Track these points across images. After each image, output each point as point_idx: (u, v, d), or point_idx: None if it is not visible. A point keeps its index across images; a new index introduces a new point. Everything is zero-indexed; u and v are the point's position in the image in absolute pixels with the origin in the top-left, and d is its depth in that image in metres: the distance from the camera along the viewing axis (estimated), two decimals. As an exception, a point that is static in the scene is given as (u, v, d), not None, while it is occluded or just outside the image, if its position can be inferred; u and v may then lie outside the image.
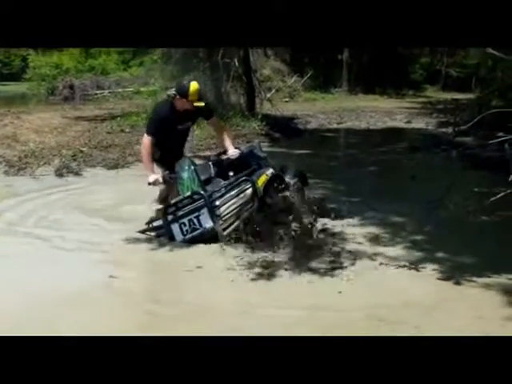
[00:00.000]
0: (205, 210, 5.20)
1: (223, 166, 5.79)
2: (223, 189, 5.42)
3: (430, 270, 4.63)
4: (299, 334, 3.37)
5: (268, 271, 4.55)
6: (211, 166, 5.80)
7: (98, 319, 3.75)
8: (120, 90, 23.25)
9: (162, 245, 5.29)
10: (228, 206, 5.32)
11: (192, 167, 5.42)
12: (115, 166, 9.06)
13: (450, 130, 13.07)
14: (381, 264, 4.78)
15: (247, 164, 5.82)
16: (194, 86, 5.49)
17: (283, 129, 14.25)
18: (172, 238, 5.27)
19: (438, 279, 4.46)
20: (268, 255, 4.88)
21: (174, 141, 5.75)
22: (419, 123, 16.68)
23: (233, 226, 5.26)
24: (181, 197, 5.34)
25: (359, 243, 5.26)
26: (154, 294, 4.41)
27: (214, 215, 5.21)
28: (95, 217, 6.15)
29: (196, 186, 5.34)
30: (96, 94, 22.80)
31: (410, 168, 9.39)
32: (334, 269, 4.63)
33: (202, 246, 5.16)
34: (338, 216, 6.00)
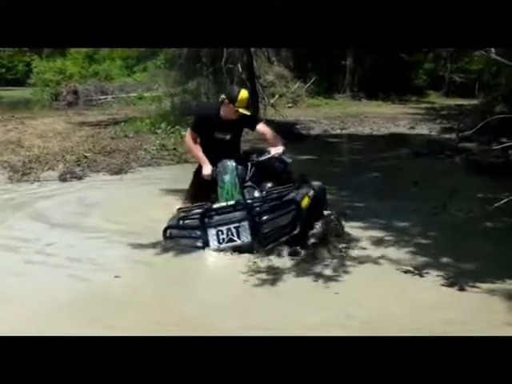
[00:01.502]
0: (246, 223, 4.98)
1: (259, 169, 5.60)
2: (266, 205, 5.18)
3: (433, 276, 4.63)
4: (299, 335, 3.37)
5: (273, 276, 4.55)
6: (249, 168, 5.57)
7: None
8: (124, 95, 23.34)
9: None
10: (269, 224, 5.04)
11: (235, 172, 5.31)
12: (119, 172, 9.06)
13: (453, 135, 13.07)
14: (384, 268, 4.79)
15: (276, 170, 5.66)
16: (243, 93, 5.49)
17: (286, 134, 14.18)
18: (206, 244, 5.04)
19: (442, 285, 4.46)
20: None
21: (209, 149, 5.67)
22: (423, 129, 16.67)
23: (270, 246, 4.97)
24: (223, 203, 5.16)
25: (363, 248, 5.25)
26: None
27: (254, 230, 4.97)
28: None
29: (237, 192, 5.22)
30: (100, 99, 22.88)
31: (414, 174, 9.38)
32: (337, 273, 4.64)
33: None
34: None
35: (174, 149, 11.14)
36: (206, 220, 5.09)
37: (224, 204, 5.15)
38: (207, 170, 5.56)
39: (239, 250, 4.97)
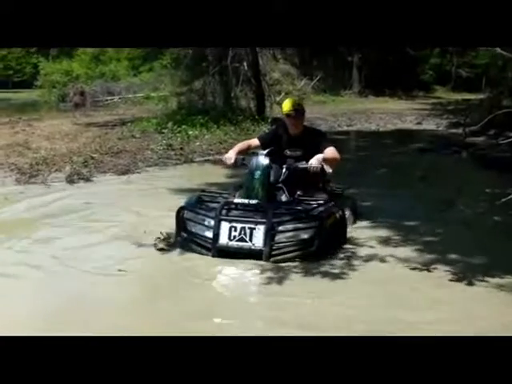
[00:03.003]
0: (262, 227, 4.76)
1: (294, 175, 5.36)
2: (289, 214, 4.94)
3: (442, 271, 4.62)
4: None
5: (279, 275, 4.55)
6: (283, 171, 5.35)
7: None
8: (130, 95, 23.38)
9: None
10: (286, 235, 4.82)
11: (267, 171, 5.12)
12: (126, 172, 9.08)
13: (460, 130, 13.04)
14: (392, 265, 4.80)
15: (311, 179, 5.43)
16: (287, 100, 5.48)
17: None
18: (216, 236, 4.80)
19: (450, 280, 4.45)
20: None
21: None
22: (430, 124, 16.66)
23: (280, 257, 4.76)
24: (246, 200, 4.96)
25: (371, 246, 5.25)
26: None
27: (268, 237, 4.73)
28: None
29: (264, 192, 5.02)
30: (106, 100, 22.94)
31: (421, 169, 9.36)
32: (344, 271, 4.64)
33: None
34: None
35: (181, 148, 11.17)
36: (224, 211, 4.94)
37: (246, 201, 4.96)
38: (231, 154, 5.46)
39: (246, 254, 4.78)
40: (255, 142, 5.72)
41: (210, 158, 10.75)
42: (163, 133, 12.56)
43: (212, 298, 4.22)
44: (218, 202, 5.14)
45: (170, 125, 12.96)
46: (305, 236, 4.84)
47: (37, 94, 26.02)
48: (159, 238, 5.15)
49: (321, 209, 5.05)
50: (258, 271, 4.63)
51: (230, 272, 4.72)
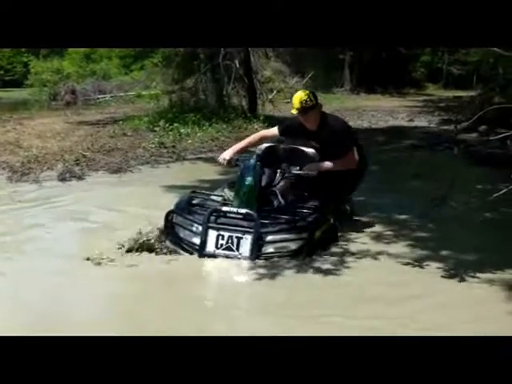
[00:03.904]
0: (249, 237, 4.67)
1: (288, 179, 5.31)
2: (277, 226, 4.82)
3: (434, 268, 4.64)
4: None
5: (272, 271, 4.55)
6: (277, 176, 5.30)
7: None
8: (122, 93, 23.30)
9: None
10: (274, 245, 4.75)
11: (258, 177, 5.01)
12: (118, 170, 9.05)
13: (452, 127, 13.07)
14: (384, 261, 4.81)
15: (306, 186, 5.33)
16: (298, 93, 5.17)
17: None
18: (203, 243, 4.74)
19: (443, 276, 4.47)
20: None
21: None
22: (421, 121, 16.68)
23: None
24: (234, 209, 4.85)
25: (363, 243, 5.25)
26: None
27: (255, 248, 4.66)
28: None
29: (254, 199, 4.90)
30: (98, 98, 22.83)
31: (413, 166, 9.38)
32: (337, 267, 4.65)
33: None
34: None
35: (173, 146, 11.13)
36: (212, 219, 4.82)
37: (234, 210, 4.85)
38: (227, 154, 5.32)
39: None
40: (274, 131, 5.49)
41: (203, 155, 10.73)
42: (155, 131, 12.51)
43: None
44: (208, 207, 5.08)
45: (161, 123, 12.92)
46: (293, 247, 4.77)
47: (28, 92, 25.87)
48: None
49: (310, 219, 4.94)
50: (249, 267, 4.62)
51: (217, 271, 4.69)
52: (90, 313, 3.91)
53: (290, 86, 23.78)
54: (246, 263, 4.64)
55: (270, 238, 4.75)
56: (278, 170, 5.31)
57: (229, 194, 5.26)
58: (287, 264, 4.66)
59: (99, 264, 4.65)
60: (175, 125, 12.82)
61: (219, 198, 5.36)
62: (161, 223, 5.17)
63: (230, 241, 4.72)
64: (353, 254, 4.96)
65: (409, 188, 7.50)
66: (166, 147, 11.06)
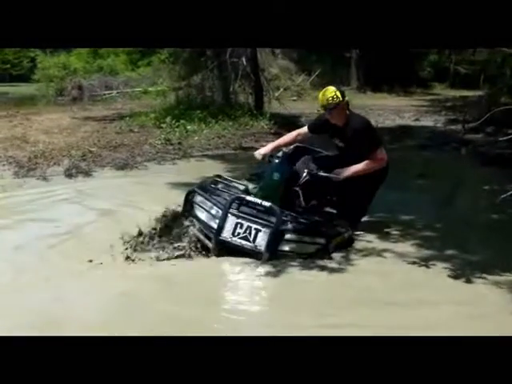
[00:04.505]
0: (268, 231, 4.62)
1: (312, 181, 5.16)
2: (297, 226, 4.77)
3: (440, 268, 4.63)
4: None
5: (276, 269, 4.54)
6: (303, 176, 5.14)
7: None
8: (128, 90, 23.30)
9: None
10: (291, 245, 4.71)
11: (286, 174, 5.00)
12: (124, 166, 9.06)
13: (459, 127, 13.04)
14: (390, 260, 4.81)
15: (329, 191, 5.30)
16: (326, 89, 5.08)
17: (292, 128, 14.20)
18: (219, 228, 4.67)
19: (449, 276, 4.46)
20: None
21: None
22: (428, 121, 16.62)
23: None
24: (258, 200, 4.77)
25: (368, 241, 5.25)
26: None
27: (272, 242, 4.61)
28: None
29: (277, 196, 4.90)
30: (104, 94, 22.84)
31: (420, 166, 9.37)
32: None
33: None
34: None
35: (179, 143, 11.14)
36: (234, 206, 4.76)
37: (259, 201, 4.77)
38: (263, 150, 5.32)
39: (247, 252, 4.67)
40: (304, 129, 5.48)
41: (209, 152, 10.73)
42: (161, 127, 12.52)
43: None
44: (231, 193, 5.05)
45: (168, 119, 12.91)
46: (308, 250, 4.75)
47: (34, 87, 25.93)
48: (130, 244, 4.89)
49: (330, 225, 4.94)
50: (254, 264, 4.60)
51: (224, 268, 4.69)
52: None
53: (297, 83, 23.83)
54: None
55: (288, 236, 4.71)
56: (305, 171, 5.21)
57: (250, 186, 5.26)
58: (293, 262, 4.65)
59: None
60: (182, 121, 12.82)
61: (242, 187, 5.33)
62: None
63: (248, 231, 4.67)
64: (358, 251, 4.97)
65: (415, 187, 7.48)
66: (172, 144, 11.07)
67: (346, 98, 5.12)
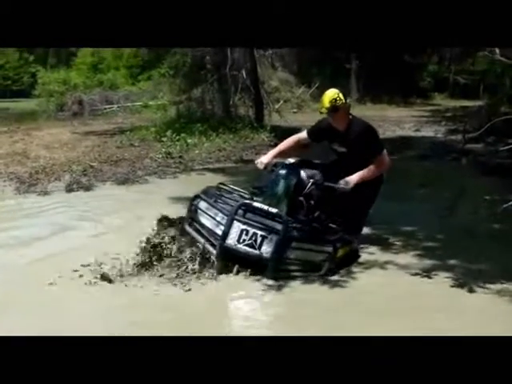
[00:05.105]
0: (274, 238, 4.50)
1: (317, 191, 5.02)
2: (304, 233, 4.71)
3: (442, 278, 4.62)
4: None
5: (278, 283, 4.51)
6: (308, 185, 4.98)
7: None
8: (129, 104, 23.39)
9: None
10: (296, 253, 4.62)
11: (292, 182, 4.88)
12: (125, 181, 9.06)
13: (459, 137, 13.05)
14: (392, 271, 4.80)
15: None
16: (328, 92, 5.00)
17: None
18: (224, 234, 4.55)
19: (451, 286, 4.45)
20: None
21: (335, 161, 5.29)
22: (428, 131, 16.65)
23: (283, 274, 4.59)
24: (265, 207, 4.65)
25: (371, 253, 5.24)
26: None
27: (279, 250, 4.49)
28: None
29: (285, 204, 4.80)
30: (105, 108, 22.93)
31: (420, 176, 9.37)
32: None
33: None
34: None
35: (180, 156, 11.16)
36: (240, 212, 4.63)
37: (266, 208, 4.64)
38: (266, 159, 5.18)
39: (251, 262, 4.57)
40: (303, 135, 5.35)
41: (210, 166, 10.74)
42: (162, 141, 12.55)
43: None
44: (236, 200, 4.96)
45: (168, 133, 12.95)
46: (315, 258, 4.70)
47: (35, 103, 26.01)
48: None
49: (337, 235, 4.88)
50: (256, 277, 4.55)
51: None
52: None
53: (297, 95, 23.89)
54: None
55: (295, 244, 4.61)
56: (311, 180, 5.06)
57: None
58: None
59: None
60: (182, 135, 12.85)
61: (247, 195, 5.24)
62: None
63: (253, 238, 4.54)
64: (360, 263, 4.96)
65: (416, 198, 7.47)
66: (173, 157, 11.09)
67: (348, 102, 5.09)
